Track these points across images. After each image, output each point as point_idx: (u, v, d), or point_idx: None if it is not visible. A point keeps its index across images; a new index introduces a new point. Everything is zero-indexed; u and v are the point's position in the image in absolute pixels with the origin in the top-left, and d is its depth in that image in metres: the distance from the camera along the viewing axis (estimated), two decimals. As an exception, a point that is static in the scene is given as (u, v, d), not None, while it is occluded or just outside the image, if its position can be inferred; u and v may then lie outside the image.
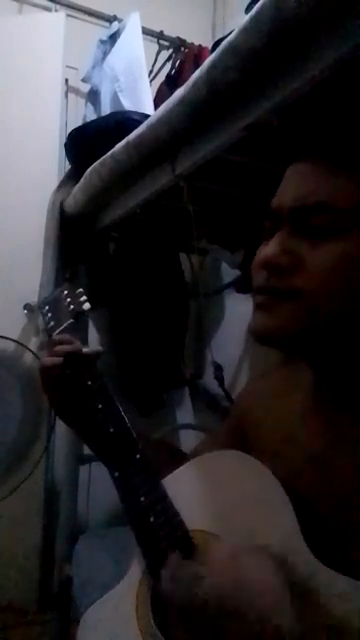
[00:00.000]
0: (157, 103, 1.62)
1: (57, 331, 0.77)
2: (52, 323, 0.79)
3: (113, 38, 1.81)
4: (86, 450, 1.45)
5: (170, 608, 0.50)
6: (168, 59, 2.02)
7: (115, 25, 1.87)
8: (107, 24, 1.93)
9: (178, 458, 0.74)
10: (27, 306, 1.52)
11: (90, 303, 0.78)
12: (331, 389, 0.56)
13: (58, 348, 0.71)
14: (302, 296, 0.50)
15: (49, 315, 0.80)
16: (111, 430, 0.67)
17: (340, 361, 0.55)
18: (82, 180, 1.29)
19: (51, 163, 1.62)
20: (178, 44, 2.02)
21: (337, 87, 0.63)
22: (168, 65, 2.01)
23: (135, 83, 1.63)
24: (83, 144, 1.40)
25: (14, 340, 1.46)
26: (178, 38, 2.02)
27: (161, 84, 1.98)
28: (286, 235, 0.53)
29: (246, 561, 0.47)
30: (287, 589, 0.43)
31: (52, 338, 0.76)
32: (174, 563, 0.51)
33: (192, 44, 2.02)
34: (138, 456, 0.64)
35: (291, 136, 0.73)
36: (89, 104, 1.85)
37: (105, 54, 1.81)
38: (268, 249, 0.53)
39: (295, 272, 0.51)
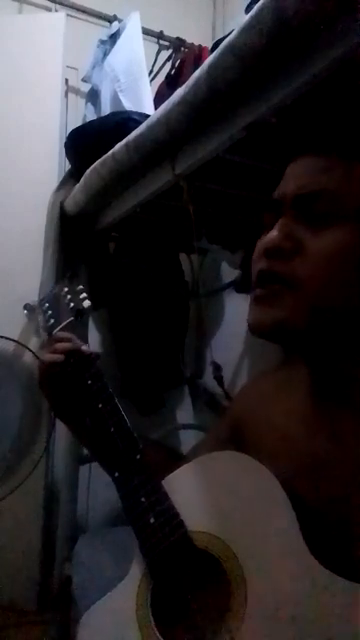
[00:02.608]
0: (157, 103, 1.62)
1: (57, 329, 0.77)
2: (52, 321, 0.79)
3: (113, 38, 1.81)
4: (86, 450, 1.45)
5: None
6: (168, 59, 2.02)
7: (115, 25, 1.86)
8: (107, 24, 1.93)
9: (175, 459, 0.74)
10: (27, 306, 1.52)
11: (90, 302, 0.78)
12: (329, 387, 0.56)
13: (58, 345, 0.71)
14: (303, 283, 0.51)
15: (49, 313, 0.80)
16: (111, 430, 0.66)
17: (338, 356, 0.54)
18: (82, 180, 1.29)
19: (51, 163, 1.62)
20: (178, 44, 2.02)
21: (335, 86, 0.63)
22: (168, 65, 2.01)
23: (135, 83, 1.62)
24: (83, 144, 1.40)
25: (14, 340, 1.46)
26: (178, 38, 2.02)
27: (161, 84, 1.98)
28: (289, 221, 0.54)
29: None
30: None
31: (52, 335, 0.76)
32: None
33: (192, 44, 2.02)
34: (138, 456, 0.64)
35: (290, 134, 0.73)
36: (89, 104, 1.85)
37: (105, 54, 1.80)
38: (270, 234, 0.54)
39: (297, 257, 0.51)
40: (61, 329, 0.76)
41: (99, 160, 1.17)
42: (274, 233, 0.53)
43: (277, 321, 0.52)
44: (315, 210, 0.52)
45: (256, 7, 0.60)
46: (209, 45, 1.84)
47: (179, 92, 0.81)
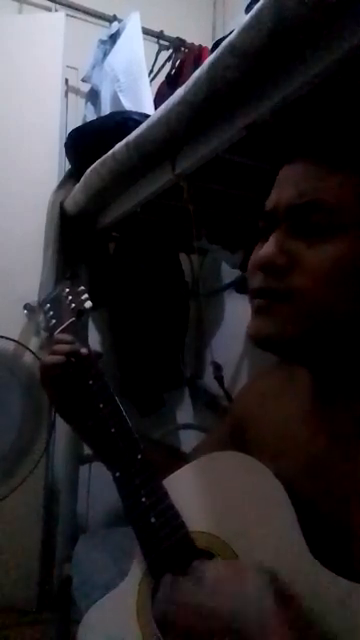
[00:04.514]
0: (157, 103, 1.62)
1: (59, 329, 0.77)
2: (53, 321, 0.79)
3: (113, 38, 1.81)
4: (86, 450, 1.45)
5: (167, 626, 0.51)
6: (168, 59, 2.02)
7: (115, 25, 1.86)
8: (107, 24, 1.93)
9: (178, 458, 0.74)
10: (27, 306, 1.52)
11: (91, 302, 0.78)
12: (330, 389, 0.56)
13: (58, 347, 0.72)
14: (300, 297, 0.50)
15: (50, 313, 0.80)
16: (112, 430, 0.66)
17: (338, 362, 0.54)
18: (82, 180, 1.29)
19: (51, 163, 1.62)
20: (178, 44, 2.02)
21: (332, 88, 0.63)
22: (168, 65, 2.01)
23: (135, 83, 1.62)
24: (83, 144, 1.40)
25: (14, 340, 1.46)
26: (178, 38, 2.02)
27: (161, 84, 1.98)
28: (283, 235, 0.52)
29: (233, 583, 0.47)
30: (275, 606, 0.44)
31: (53, 337, 0.76)
32: (167, 582, 0.52)
33: (192, 44, 2.02)
34: (139, 456, 0.64)
35: (285, 137, 0.73)
36: (89, 104, 1.85)
37: (105, 54, 1.81)
38: (264, 249, 0.52)
39: (293, 272, 0.50)
40: (63, 329, 0.76)
41: (99, 160, 1.17)
42: (268, 248, 0.52)
43: (278, 334, 0.51)
44: (310, 221, 0.50)
45: (256, 7, 0.59)
46: (209, 45, 1.84)
47: (179, 92, 0.81)
